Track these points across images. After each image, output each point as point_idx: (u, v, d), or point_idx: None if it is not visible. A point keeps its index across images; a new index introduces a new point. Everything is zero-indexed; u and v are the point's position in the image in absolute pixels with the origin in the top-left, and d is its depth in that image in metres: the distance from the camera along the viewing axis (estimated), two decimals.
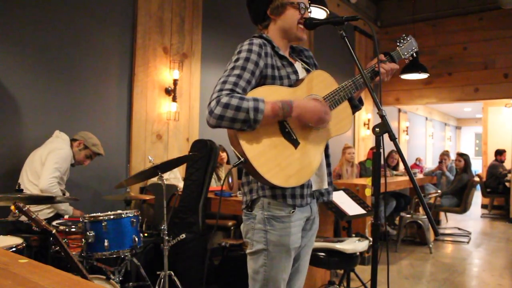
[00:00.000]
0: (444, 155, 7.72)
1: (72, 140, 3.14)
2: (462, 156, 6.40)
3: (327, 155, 1.72)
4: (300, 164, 1.54)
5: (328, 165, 1.75)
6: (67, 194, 3.04)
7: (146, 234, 3.35)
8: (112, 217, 2.54)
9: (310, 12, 1.71)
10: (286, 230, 1.57)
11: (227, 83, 1.49)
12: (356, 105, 1.81)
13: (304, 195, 1.61)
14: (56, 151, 2.95)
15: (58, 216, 2.93)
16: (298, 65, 1.72)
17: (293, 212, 1.58)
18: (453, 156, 8.59)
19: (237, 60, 1.55)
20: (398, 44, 1.80)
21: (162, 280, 2.75)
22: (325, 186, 1.71)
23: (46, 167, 2.90)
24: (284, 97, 1.52)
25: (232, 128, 1.45)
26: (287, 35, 1.68)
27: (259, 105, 1.44)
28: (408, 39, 1.81)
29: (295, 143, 1.54)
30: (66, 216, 2.85)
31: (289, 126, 1.54)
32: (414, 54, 1.83)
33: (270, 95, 1.51)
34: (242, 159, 1.48)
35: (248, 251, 1.65)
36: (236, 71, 1.51)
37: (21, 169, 2.97)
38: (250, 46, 1.56)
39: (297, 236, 1.62)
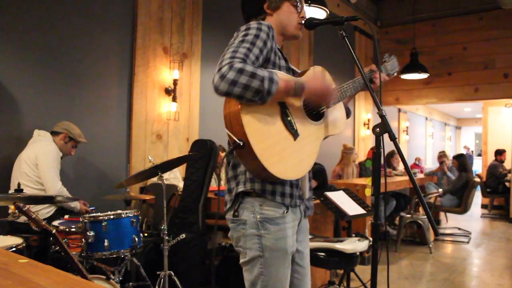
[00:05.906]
0: (442, 156, 7.71)
1: (54, 133, 3.07)
2: (455, 158, 6.50)
3: None
4: (298, 158, 1.45)
5: (309, 179, 1.67)
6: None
7: (146, 234, 3.36)
8: (112, 217, 2.54)
9: (304, 14, 1.67)
10: (282, 233, 1.47)
11: (237, 52, 1.35)
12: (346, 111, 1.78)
13: (294, 196, 1.53)
14: (44, 152, 2.90)
15: (57, 215, 2.93)
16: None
17: (286, 212, 1.50)
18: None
19: (246, 35, 1.42)
20: (384, 60, 1.84)
21: (162, 280, 2.75)
22: (306, 196, 1.63)
23: (43, 172, 2.87)
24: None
25: (242, 97, 1.30)
26: (284, 30, 1.63)
27: (274, 76, 1.33)
28: (392, 58, 1.85)
29: (295, 135, 1.45)
30: (66, 216, 2.85)
31: (291, 115, 1.45)
32: (395, 74, 1.88)
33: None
34: (239, 143, 1.32)
35: (241, 261, 1.53)
36: (246, 44, 1.39)
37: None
38: (259, 25, 1.47)
39: (293, 239, 1.53)
